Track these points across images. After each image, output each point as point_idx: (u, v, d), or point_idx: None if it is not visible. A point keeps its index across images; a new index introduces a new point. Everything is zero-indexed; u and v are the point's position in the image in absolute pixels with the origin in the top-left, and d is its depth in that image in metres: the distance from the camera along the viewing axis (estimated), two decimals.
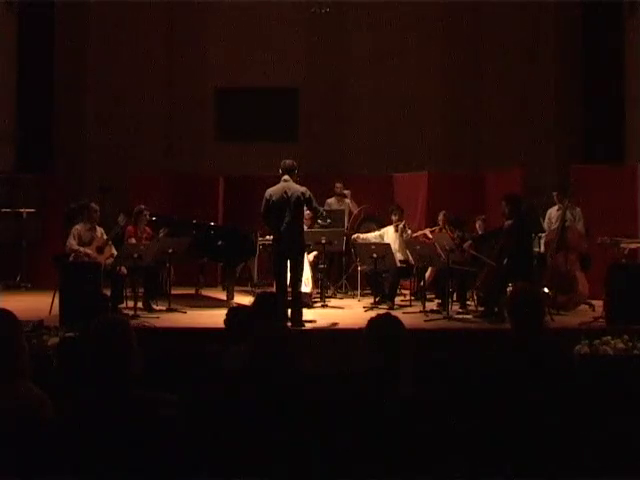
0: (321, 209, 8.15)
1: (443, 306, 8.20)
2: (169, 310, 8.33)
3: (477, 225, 9.16)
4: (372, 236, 9.50)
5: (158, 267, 8.68)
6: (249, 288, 9.94)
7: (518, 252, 7.80)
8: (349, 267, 10.21)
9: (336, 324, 7.65)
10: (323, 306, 9.00)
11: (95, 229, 8.57)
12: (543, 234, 8.89)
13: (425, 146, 12.28)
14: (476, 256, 8.21)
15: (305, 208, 7.60)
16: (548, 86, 12.23)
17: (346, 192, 10.38)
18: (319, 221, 9.02)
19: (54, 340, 6.17)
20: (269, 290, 7.53)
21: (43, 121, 11.99)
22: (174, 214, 10.11)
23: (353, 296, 9.80)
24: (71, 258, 8.36)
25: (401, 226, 9.24)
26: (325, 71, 12.53)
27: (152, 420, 2.71)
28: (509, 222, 7.95)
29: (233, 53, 12.50)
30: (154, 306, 8.50)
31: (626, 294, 7.34)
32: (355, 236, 9.61)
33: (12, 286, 10.10)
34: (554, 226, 8.72)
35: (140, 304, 8.35)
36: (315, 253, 9.42)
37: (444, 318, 7.90)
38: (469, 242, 8.46)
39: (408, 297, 9.20)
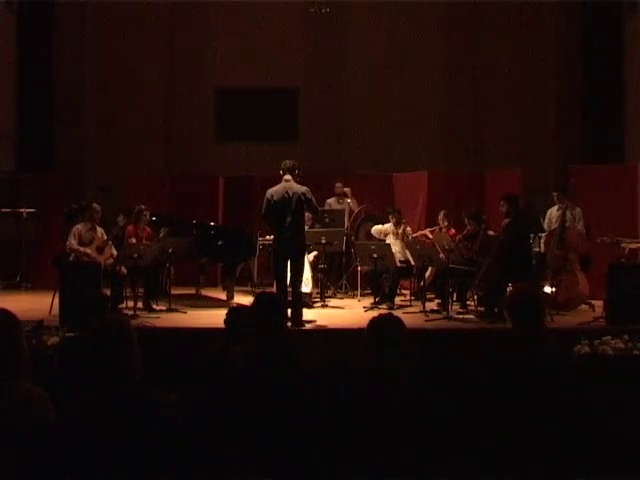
0: (319, 209, 8.13)
1: (443, 306, 8.21)
2: (169, 310, 8.32)
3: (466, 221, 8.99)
4: (384, 228, 9.44)
5: (158, 267, 8.68)
6: (249, 288, 9.94)
7: (517, 251, 7.80)
8: (349, 267, 10.20)
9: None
10: (323, 306, 9.00)
11: (95, 229, 8.57)
12: (543, 234, 8.88)
13: (425, 146, 12.28)
14: (481, 257, 8.15)
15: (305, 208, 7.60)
16: (548, 86, 12.25)
17: (346, 190, 10.36)
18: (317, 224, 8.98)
19: (54, 340, 6.17)
20: (269, 290, 7.53)
21: (43, 121, 11.99)
22: (174, 214, 10.12)
23: (353, 296, 9.78)
24: (71, 258, 8.37)
25: (400, 231, 9.23)
26: (325, 71, 12.53)
27: (153, 420, 2.70)
28: (507, 221, 7.97)
29: (233, 53, 12.50)
30: (154, 306, 8.49)
31: (626, 294, 7.34)
32: (375, 232, 9.54)
33: (12, 286, 10.09)
34: (554, 226, 8.71)
35: (140, 304, 8.35)
36: (315, 253, 9.41)
37: (444, 318, 7.90)
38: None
39: (408, 297, 9.19)
